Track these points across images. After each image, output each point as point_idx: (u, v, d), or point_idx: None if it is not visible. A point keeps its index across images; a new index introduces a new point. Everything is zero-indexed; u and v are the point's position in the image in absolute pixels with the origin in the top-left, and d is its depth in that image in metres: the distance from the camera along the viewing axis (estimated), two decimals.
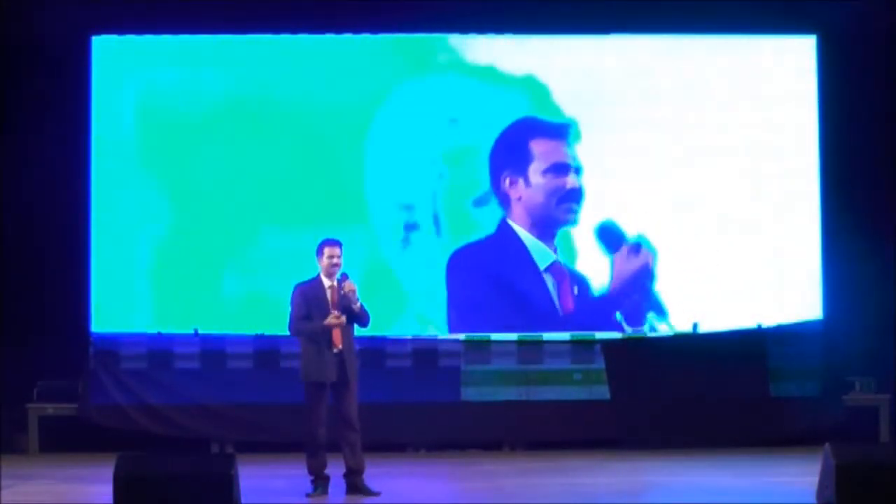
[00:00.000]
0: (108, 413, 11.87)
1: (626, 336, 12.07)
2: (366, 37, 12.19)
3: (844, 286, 12.08)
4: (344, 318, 9.11)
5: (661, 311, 12.07)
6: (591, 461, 11.12)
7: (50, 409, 11.93)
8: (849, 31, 12.11)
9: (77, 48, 12.08)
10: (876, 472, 7.87)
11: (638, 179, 12.14)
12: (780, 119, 12.24)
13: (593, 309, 12.08)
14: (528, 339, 12.06)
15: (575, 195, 12.10)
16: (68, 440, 11.91)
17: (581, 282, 12.10)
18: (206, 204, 12.04)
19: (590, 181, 12.13)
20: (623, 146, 12.14)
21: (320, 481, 9.22)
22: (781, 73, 12.29)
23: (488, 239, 12.13)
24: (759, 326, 12.10)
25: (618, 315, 12.06)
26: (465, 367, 12.04)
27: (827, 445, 8.11)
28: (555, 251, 12.11)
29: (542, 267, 12.12)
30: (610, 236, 12.11)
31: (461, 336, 12.05)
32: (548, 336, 12.07)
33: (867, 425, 11.89)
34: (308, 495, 9.16)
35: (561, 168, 12.13)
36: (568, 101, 12.18)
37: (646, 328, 12.05)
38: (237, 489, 7.78)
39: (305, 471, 9.26)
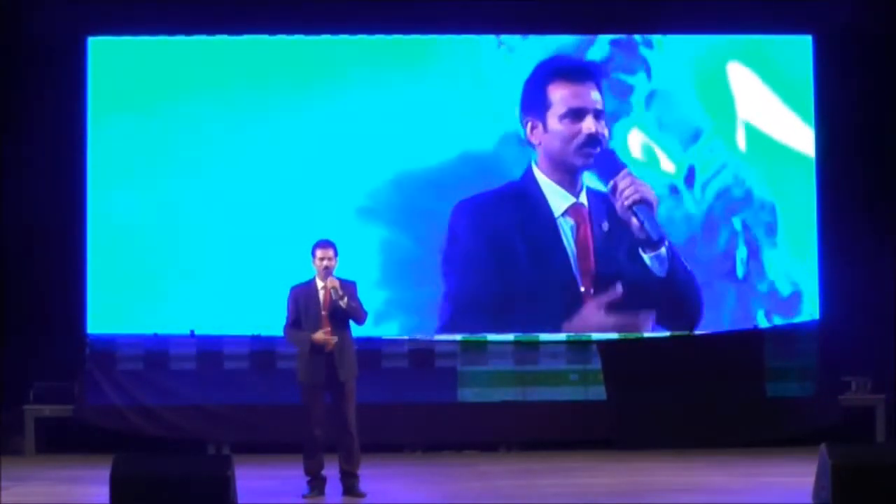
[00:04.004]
0: (105, 414, 11.86)
1: (622, 336, 12.07)
2: (363, 37, 12.20)
3: (841, 286, 12.09)
4: (335, 340, 9.12)
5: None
6: (588, 461, 11.12)
7: (46, 410, 11.92)
8: (845, 31, 12.11)
9: (72, 49, 12.07)
10: (872, 473, 7.88)
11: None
12: (776, 118, 12.25)
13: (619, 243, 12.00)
14: (525, 339, 12.06)
15: (593, 140, 11.95)
16: (65, 441, 11.90)
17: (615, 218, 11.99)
18: (203, 204, 12.03)
19: None
20: (617, 143, 12.16)
21: (317, 482, 9.22)
22: (777, 73, 12.29)
23: (507, 186, 12.07)
24: (756, 327, 12.11)
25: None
26: (462, 367, 12.04)
27: (823, 446, 8.12)
28: (577, 195, 12.04)
29: (558, 212, 12.03)
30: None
31: (457, 337, 12.05)
32: (544, 337, 12.07)
33: (863, 425, 11.88)
34: (304, 496, 9.17)
35: (577, 113, 11.98)
36: None
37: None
38: (234, 490, 7.79)
39: (302, 472, 9.27)
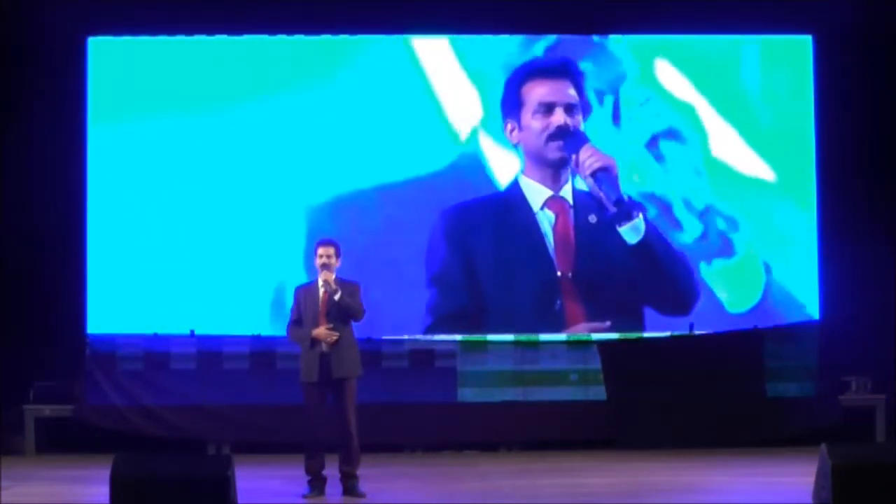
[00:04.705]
0: (105, 414, 11.87)
1: (622, 336, 12.07)
2: (361, 37, 12.21)
3: (841, 286, 12.09)
4: (335, 336, 9.13)
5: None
6: (588, 461, 11.12)
7: (47, 410, 11.93)
8: (845, 31, 12.11)
9: (72, 49, 12.07)
10: (872, 473, 7.88)
11: (632, 178, 12.15)
12: (776, 118, 12.25)
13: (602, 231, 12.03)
14: (525, 339, 12.06)
15: (562, 132, 12.01)
16: (65, 441, 11.91)
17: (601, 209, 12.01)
18: (203, 204, 12.03)
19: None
20: (616, 146, 12.16)
21: (317, 482, 9.22)
22: (777, 73, 12.30)
23: (493, 194, 12.14)
24: (756, 327, 12.11)
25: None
26: (462, 367, 12.04)
27: (823, 445, 8.11)
28: (559, 190, 12.06)
29: (537, 207, 12.07)
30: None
31: (457, 337, 12.05)
32: (544, 337, 12.07)
33: (863, 425, 11.88)
34: (304, 496, 9.16)
35: (548, 107, 12.06)
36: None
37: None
38: (234, 490, 7.78)
39: (302, 471, 9.27)
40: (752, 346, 12.05)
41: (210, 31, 12.15)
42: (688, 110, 12.21)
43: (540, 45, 12.27)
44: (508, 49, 12.26)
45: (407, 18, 12.13)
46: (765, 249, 12.17)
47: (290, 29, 12.15)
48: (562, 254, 12.07)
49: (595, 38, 12.27)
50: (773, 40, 12.36)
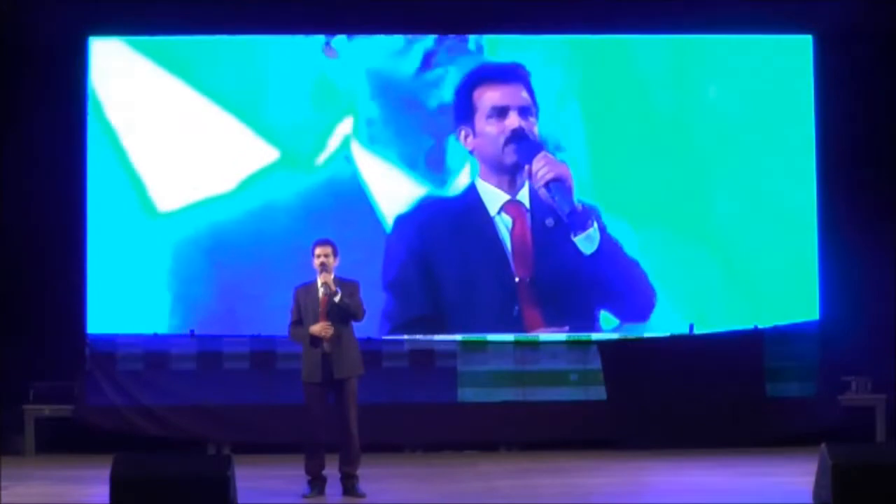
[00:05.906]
0: (105, 414, 11.86)
1: (622, 336, 12.07)
2: (356, 37, 12.23)
3: (841, 287, 12.09)
4: (331, 330, 9.14)
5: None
6: (588, 461, 11.13)
7: (46, 410, 11.92)
8: (845, 31, 12.12)
9: (72, 49, 12.07)
10: (872, 473, 7.89)
11: (633, 178, 12.15)
12: (776, 118, 12.26)
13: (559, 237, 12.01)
14: (525, 339, 12.06)
15: (517, 136, 11.99)
16: (65, 441, 11.90)
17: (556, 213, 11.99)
18: (203, 204, 12.03)
19: (583, 172, 12.10)
20: (618, 144, 12.16)
21: (317, 482, 9.23)
22: (778, 73, 12.30)
23: (450, 199, 12.11)
24: (756, 327, 12.11)
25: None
26: (462, 367, 12.04)
27: (823, 445, 8.13)
28: (515, 193, 12.05)
29: (494, 211, 12.06)
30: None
31: (458, 337, 12.05)
32: (544, 337, 12.07)
33: (863, 425, 11.88)
34: (304, 496, 9.17)
35: (501, 111, 12.05)
36: (567, 95, 12.20)
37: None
38: (234, 490, 7.80)
39: (302, 472, 9.28)
40: (752, 346, 12.05)
41: (211, 31, 12.13)
42: (575, 116, 12.22)
43: (420, 47, 12.22)
44: (384, 51, 12.24)
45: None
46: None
47: (292, 29, 12.14)
48: (519, 259, 12.06)
49: (472, 39, 12.26)
50: (773, 40, 12.36)
